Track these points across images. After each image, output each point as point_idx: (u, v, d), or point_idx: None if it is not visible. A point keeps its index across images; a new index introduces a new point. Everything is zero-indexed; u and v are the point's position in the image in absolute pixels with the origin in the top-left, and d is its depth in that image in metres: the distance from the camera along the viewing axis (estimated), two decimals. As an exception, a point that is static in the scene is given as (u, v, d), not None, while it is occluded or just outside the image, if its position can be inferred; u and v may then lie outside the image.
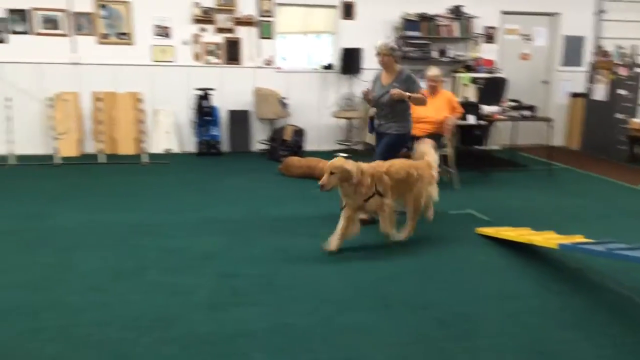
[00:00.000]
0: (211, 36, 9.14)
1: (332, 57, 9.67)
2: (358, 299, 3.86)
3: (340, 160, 4.57)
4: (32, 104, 8.53)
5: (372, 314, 3.65)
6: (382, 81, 5.68)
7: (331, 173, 4.50)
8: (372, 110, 5.97)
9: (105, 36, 8.84)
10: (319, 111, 9.47)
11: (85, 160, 8.39)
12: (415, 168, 5.05)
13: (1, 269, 4.24)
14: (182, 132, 9.29)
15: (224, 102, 9.22)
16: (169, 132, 9.19)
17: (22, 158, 8.10)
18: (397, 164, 4.95)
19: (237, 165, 8.18)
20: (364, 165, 4.71)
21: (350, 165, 4.56)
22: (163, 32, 8.99)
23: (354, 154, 8.94)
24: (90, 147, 8.94)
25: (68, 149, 8.57)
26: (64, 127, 8.52)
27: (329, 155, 8.24)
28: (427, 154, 5.38)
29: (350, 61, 9.30)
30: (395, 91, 5.42)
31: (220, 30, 9.14)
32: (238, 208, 5.98)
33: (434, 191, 5.34)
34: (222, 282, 4.07)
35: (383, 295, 3.92)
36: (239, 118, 9.34)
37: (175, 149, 9.19)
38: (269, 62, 9.42)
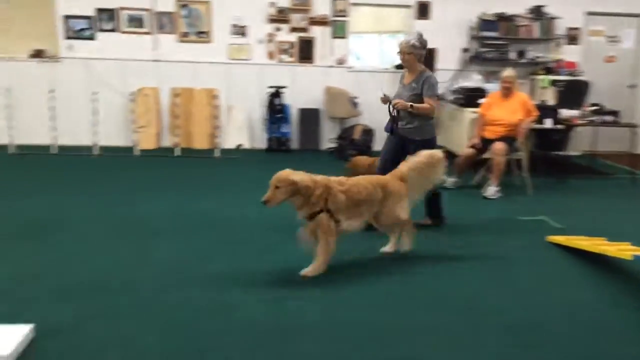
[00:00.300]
0: (285, 35, 9.31)
1: (405, 57, 9.59)
2: (427, 300, 3.83)
3: (285, 172, 4.01)
4: (116, 98, 8.99)
5: (439, 316, 3.60)
6: (404, 81, 5.34)
7: (276, 187, 3.94)
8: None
9: (185, 35, 9.20)
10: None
11: (162, 153, 8.77)
12: (381, 186, 4.38)
13: (90, 252, 4.50)
14: (253, 128, 9.52)
15: (295, 100, 9.37)
16: (241, 128, 9.43)
17: (105, 149, 8.58)
18: (362, 182, 4.33)
19: (305, 163, 8.18)
20: (319, 178, 4.11)
21: (299, 176, 4.00)
22: (240, 31, 9.24)
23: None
24: (167, 141, 9.33)
25: (147, 142, 8.99)
26: (144, 121, 8.95)
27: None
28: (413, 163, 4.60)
29: (424, 61, 9.16)
30: (398, 102, 5.18)
31: (295, 29, 9.29)
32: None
33: (400, 210, 4.45)
34: (283, 274, 4.13)
35: (451, 299, 3.86)
36: (310, 116, 9.45)
37: (246, 144, 9.41)
38: (341, 62, 9.47)
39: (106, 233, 4.98)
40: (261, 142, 9.43)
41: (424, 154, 4.65)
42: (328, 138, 9.48)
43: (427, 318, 3.56)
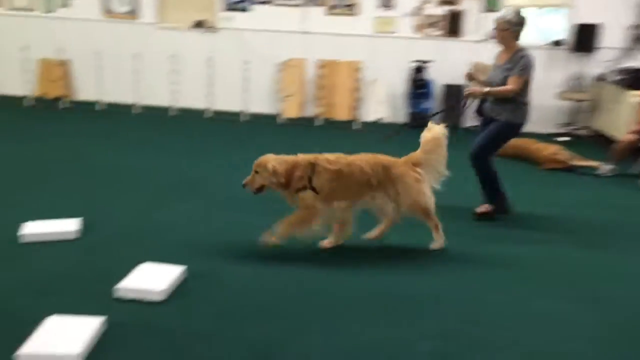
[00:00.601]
0: (434, 8, 9.08)
1: (564, 32, 8.92)
2: (557, 287, 3.64)
3: (265, 158, 3.96)
4: (265, 67, 9.42)
5: (571, 305, 3.41)
6: (498, 60, 4.96)
7: (255, 172, 3.94)
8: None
9: (333, 7, 9.34)
10: (541, 90, 8.86)
11: (305, 122, 9.08)
12: (383, 168, 4.04)
13: (234, 208, 4.83)
14: (395, 102, 9.47)
15: (440, 75, 9.14)
16: (383, 102, 9.44)
17: (252, 115, 9.08)
18: (358, 162, 4.02)
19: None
20: (302, 157, 4.00)
21: (275, 161, 3.91)
22: (387, 3, 9.18)
23: (576, 140, 8.24)
24: (310, 111, 9.62)
25: (291, 111, 9.36)
26: (290, 91, 9.30)
27: (546, 138, 7.75)
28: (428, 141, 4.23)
29: (585, 38, 8.50)
30: (471, 91, 4.86)
31: (444, 2, 9.02)
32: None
33: (418, 195, 4.07)
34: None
35: (584, 289, 3.63)
36: (454, 92, 9.18)
37: (387, 118, 9.41)
38: (492, 37, 9.05)
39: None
40: (402, 117, 9.38)
41: (426, 132, 4.27)
42: (471, 115, 9.17)
43: (555, 304, 3.38)
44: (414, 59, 9.02)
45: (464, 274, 3.76)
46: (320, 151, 4.10)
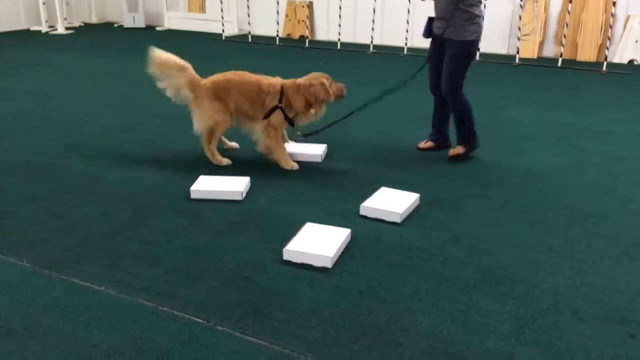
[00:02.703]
0: None
1: None
2: None
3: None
4: (505, 5, 8.99)
5: None
6: None
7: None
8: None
9: None
10: None
11: (542, 63, 8.54)
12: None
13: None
14: (654, 42, 8.35)
15: None
16: (638, 42, 8.39)
17: (485, 56, 8.82)
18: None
19: None
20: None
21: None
22: None
23: None
24: (549, 51, 9.00)
25: (528, 51, 8.86)
26: (529, 29, 8.78)
27: None
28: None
29: None
30: None
31: None
32: None
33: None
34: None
35: None
36: None
37: (642, 60, 8.38)
38: None
39: (480, 129, 5.31)
40: (660, 59, 8.26)
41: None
42: None
43: None
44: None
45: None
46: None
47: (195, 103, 4.29)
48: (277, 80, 4.32)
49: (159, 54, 4.29)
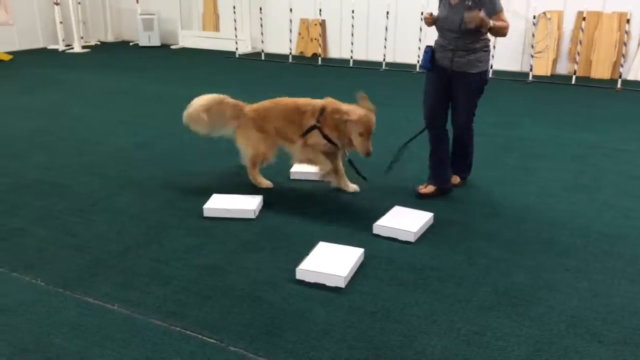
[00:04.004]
0: None
1: None
2: None
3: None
4: (519, 22, 8.99)
5: None
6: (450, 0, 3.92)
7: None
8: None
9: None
10: None
11: (556, 80, 8.51)
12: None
13: (476, 164, 4.90)
14: (669, 59, 8.30)
15: None
16: (653, 58, 8.34)
17: (498, 73, 8.80)
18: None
19: None
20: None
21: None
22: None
23: None
24: (562, 69, 8.97)
25: (542, 68, 8.84)
26: (542, 46, 8.77)
27: None
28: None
29: None
30: (475, 14, 3.66)
31: None
32: None
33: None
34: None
35: None
36: None
37: (657, 77, 8.33)
38: None
39: (493, 147, 5.28)
40: (675, 76, 8.20)
41: None
42: None
43: None
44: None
45: None
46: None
47: (239, 133, 4.25)
48: (318, 100, 4.10)
49: (195, 104, 4.19)
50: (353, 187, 4.20)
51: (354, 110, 3.89)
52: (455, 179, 4.30)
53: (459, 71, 3.91)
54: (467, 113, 4.06)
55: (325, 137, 4.00)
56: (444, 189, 4.13)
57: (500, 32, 3.90)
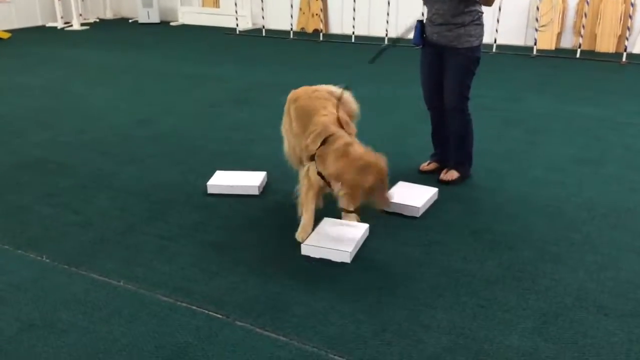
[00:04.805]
0: None
1: None
2: None
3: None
4: (521, -5, 8.87)
5: None
6: None
7: None
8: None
9: None
10: None
11: (560, 54, 8.42)
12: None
13: (480, 138, 4.87)
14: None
15: None
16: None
17: (502, 47, 8.71)
18: None
19: None
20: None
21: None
22: None
23: None
24: (567, 42, 8.87)
25: (546, 42, 8.73)
26: (547, 19, 8.65)
27: None
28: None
29: None
30: None
31: None
32: None
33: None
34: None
35: None
36: None
37: (663, 50, 8.23)
38: None
39: (498, 121, 5.23)
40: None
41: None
42: None
43: None
44: None
45: None
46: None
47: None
48: (330, 118, 3.15)
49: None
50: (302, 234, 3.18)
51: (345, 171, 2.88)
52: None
53: (448, 46, 3.66)
54: (457, 94, 3.74)
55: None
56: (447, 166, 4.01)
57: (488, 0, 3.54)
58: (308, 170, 3.13)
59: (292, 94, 3.49)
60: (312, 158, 3.08)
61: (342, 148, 2.92)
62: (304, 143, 3.17)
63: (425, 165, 4.12)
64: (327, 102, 3.30)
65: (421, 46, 3.88)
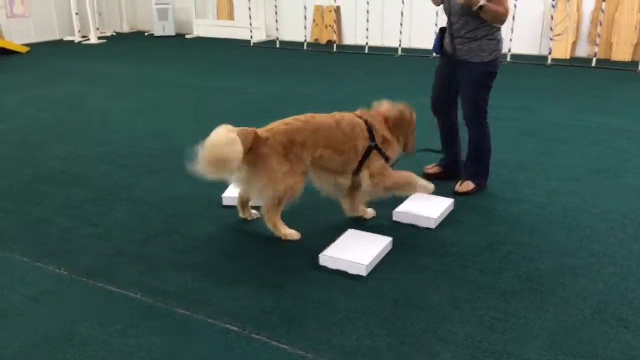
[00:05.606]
0: None
1: None
2: None
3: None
4: (537, 4, 8.83)
5: None
6: None
7: None
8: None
9: None
10: None
11: (575, 63, 8.37)
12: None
13: (496, 149, 4.84)
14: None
15: None
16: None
17: (516, 57, 8.68)
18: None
19: None
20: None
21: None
22: None
23: None
24: (582, 51, 8.82)
25: (561, 51, 8.69)
26: (561, 28, 8.62)
27: None
28: None
29: None
30: None
31: None
32: None
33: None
34: None
35: None
36: None
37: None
38: None
39: (513, 131, 5.20)
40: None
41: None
42: None
43: None
44: None
45: None
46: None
47: (255, 166, 3.15)
48: (351, 116, 3.41)
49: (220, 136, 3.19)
50: (370, 212, 3.60)
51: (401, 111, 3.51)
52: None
53: (461, 59, 3.69)
54: (472, 106, 3.73)
55: (383, 155, 3.41)
56: (451, 174, 4.06)
57: (495, 17, 3.50)
58: (371, 169, 3.37)
59: (280, 134, 3.20)
60: (366, 155, 3.34)
61: (380, 114, 3.47)
62: (356, 149, 3.33)
63: (429, 168, 4.18)
64: (330, 116, 3.40)
65: (439, 55, 3.94)
